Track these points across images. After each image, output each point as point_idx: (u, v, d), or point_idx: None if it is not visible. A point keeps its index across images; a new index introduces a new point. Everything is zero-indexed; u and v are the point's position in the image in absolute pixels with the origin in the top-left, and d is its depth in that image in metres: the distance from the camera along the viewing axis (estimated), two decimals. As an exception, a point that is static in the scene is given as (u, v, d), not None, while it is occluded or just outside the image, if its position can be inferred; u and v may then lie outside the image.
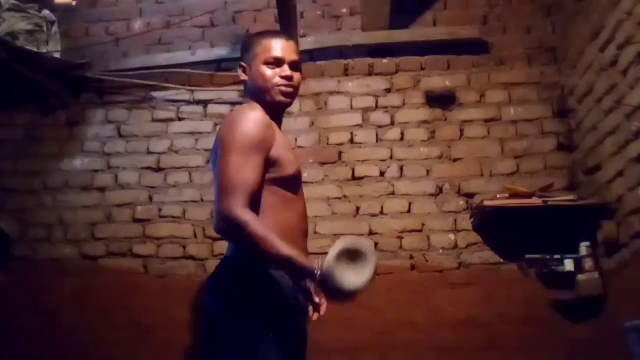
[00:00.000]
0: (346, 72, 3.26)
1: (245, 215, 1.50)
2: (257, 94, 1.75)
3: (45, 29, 3.27)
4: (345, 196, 3.08)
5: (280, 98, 1.73)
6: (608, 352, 2.55)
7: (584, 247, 2.73)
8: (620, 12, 2.43)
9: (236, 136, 1.59)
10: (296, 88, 1.77)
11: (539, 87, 3.14)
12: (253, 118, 1.63)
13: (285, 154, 1.68)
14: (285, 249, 1.50)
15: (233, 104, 3.24)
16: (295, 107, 3.21)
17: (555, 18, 3.22)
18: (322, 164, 3.13)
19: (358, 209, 3.06)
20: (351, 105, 3.21)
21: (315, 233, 2.96)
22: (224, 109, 3.24)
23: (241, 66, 1.80)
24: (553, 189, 2.88)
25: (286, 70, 1.74)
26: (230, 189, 1.53)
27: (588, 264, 2.71)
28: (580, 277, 2.70)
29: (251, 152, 1.58)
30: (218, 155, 1.63)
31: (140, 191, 3.20)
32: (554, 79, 3.14)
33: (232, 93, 3.25)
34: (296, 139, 3.15)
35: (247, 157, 1.57)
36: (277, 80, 1.73)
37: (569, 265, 2.76)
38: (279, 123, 1.76)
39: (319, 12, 3.41)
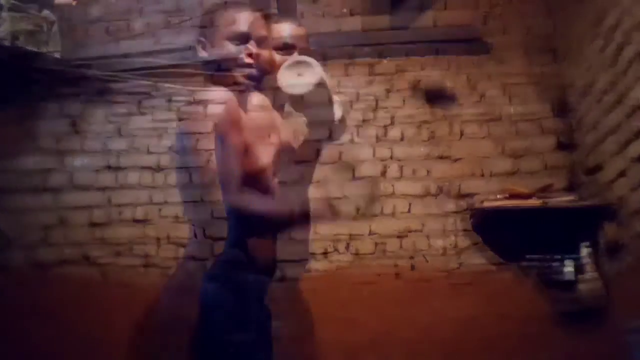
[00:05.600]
0: (346, 72, 3.25)
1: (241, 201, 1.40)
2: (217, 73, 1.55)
3: (45, 29, 3.27)
4: (345, 196, 3.07)
5: (243, 79, 1.54)
6: (608, 353, 2.54)
7: (584, 249, 2.72)
8: (621, 12, 2.42)
9: (218, 130, 1.47)
10: (263, 68, 1.57)
11: (539, 86, 3.13)
12: (224, 108, 1.49)
13: (256, 140, 1.55)
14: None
15: (233, 104, 3.23)
16: (295, 107, 3.20)
17: (555, 18, 3.21)
18: (322, 164, 3.12)
19: (358, 209, 3.05)
20: (351, 105, 3.21)
21: (316, 233, 2.96)
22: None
23: (200, 42, 1.60)
24: (552, 189, 2.87)
25: (251, 47, 1.55)
26: (222, 182, 1.46)
27: (589, 265, 2.70)
28: (581, 278, 2.69)
29: (227, 141, 1.47)
30: None
31: (141, 191, 3.20)
32: (554, 78, 3.13)
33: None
34: (296, 139, 3.15)
35: (226, 147, 1.46)
36: (241, 58, 1.55)
37: (569, 266, 2.75)
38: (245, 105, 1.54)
39: (319, 12, 3.40)
